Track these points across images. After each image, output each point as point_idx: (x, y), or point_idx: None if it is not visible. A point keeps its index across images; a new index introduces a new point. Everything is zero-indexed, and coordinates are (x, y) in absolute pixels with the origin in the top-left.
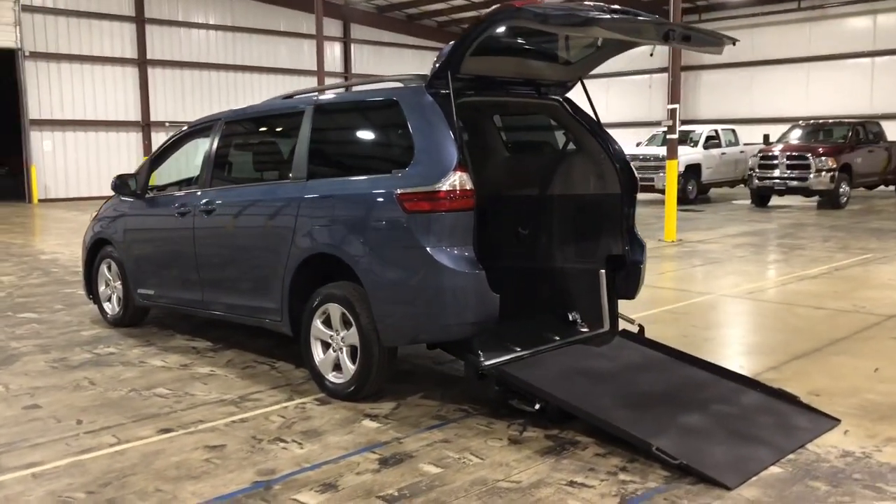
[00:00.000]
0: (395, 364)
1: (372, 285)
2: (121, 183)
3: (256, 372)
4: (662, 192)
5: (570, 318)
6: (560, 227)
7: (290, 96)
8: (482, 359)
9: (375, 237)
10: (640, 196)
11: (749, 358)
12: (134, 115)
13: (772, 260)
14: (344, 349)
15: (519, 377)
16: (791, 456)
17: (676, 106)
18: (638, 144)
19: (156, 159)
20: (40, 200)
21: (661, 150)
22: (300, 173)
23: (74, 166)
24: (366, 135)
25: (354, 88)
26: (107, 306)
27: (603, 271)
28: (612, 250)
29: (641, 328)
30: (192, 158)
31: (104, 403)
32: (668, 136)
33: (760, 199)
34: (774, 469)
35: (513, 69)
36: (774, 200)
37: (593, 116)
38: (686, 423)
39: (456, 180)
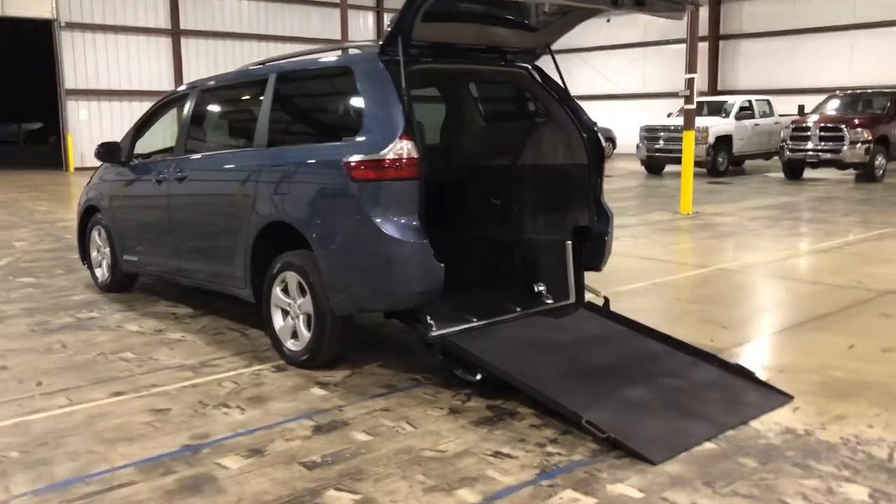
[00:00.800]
0: (350, 333)
1: (322, 254)
2: (104, 151)
3: (226, 338)
4: None
5: (536, 289)
6: (531, 198)
7: (262, 63)
8: (431, 328)
9: (325, 206)
10: (670, 168)
11: (724, 332)
12: (167, 84)
13: (784, 234)
14: (301, 317)
15: (462, 347)
16: (730, 432)
17: (694, 75)
18: (669, 115)
19: (140, 127)
20: (76, 168)
21: None
22: (261, 141)
23: (109, 135)
24: (321, 102)
25: (317, 56)
26: (97, 272)
27: (569, 242)
28: (578, 221)
29: (606, 300)
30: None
31: (69, 366)
32: (685, 107)
33: (792, 171)
34: (708, 445)
35: (473, 36)
36: (809, 174)
37: (562, 85)
38: (628, 397)
39: (401, 148)
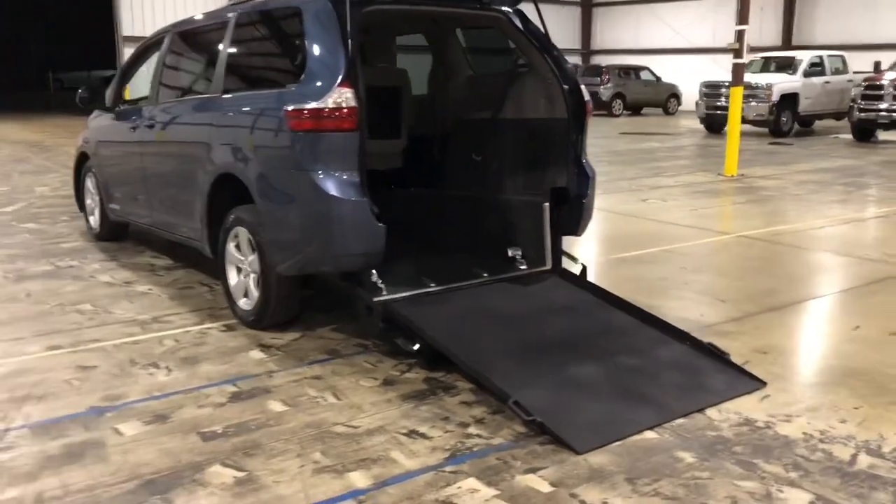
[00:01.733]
0: (298, 294)
1: (264, 209)
2: (86, 96)
3: (192, 293)
4: (753, 122)
5: (510, 254)
6: (511, 155)
7: (237, 3)
8: (381, 292)
9: (266, 158)
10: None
11: (718, 306)
12: None
13: (830, 200)
14: (252, 275)
15: (402, 314)
16: (680, 420)
17: (745, 27)
18: None
19: (125, 72)
20: None
21: (755, 78)
22: (217, 87)
23: None
24: (272, 47)
25: None
26: (91, 220)
27: (546, 205)
28: (556, 182)
29: (584, 269)
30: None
31: (23, 317)
32: (734, 61)
33: (862, 133)
34: (648, 434)
35: None
36: (883, 136)
37: (543, 31)
38: (575, 375)
39: (340, 97)
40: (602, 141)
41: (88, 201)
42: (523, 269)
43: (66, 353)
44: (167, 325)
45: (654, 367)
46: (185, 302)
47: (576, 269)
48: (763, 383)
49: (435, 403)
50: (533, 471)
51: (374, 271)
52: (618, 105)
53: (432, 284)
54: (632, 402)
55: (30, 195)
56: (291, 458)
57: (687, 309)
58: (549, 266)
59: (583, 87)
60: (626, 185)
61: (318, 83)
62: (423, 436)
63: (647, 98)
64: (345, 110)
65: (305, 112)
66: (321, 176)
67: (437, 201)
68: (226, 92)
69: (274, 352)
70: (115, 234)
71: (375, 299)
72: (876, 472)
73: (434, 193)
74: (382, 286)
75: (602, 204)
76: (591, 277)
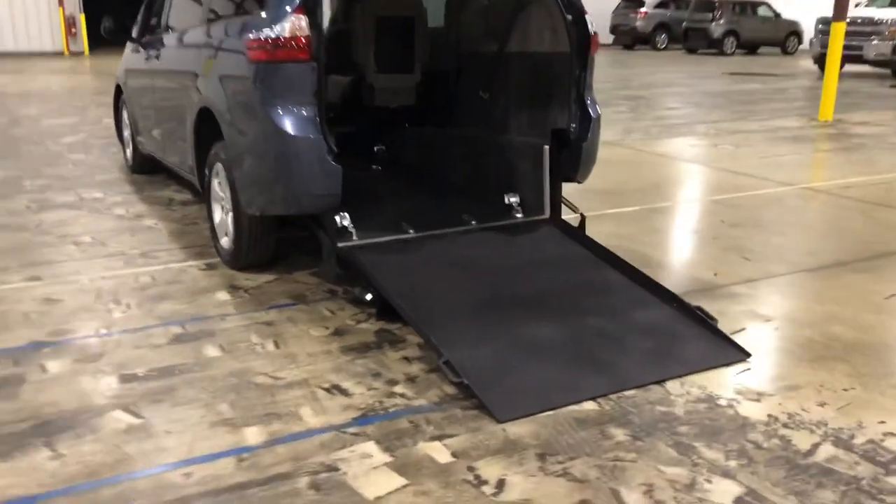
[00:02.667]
0: (272, 236)
1: (230, 145)
2: (108, 26)
3: (193, 230)
4: (874, 63)
5: (507, 200)
6: (516, 93)
7: None
8: (350, 237)
9: (232, 90)
10: (849, 68)
11: (739, 266)
12: None
13: None
14: (231, 213)
15: (361, 260)
16: (633, 392)
17: None
18: (857, 5)
19: (151, 1)
20: None
21: (880, 13)
22: (205, 16)
23: None
24: None
25: None
26: (127, 152)
27: (546, 148)
28: (557, 123)
29: (582, 220)
30: None
31: (21, 247)
32: None
33: None
34: (589, 405)
35: None
36: None
37: None
38: (532, 336)
39: (292, 25)
40: (700, 81)
41: (126, 133)
42: (518, 218)
43: (42, 285)
44: (152, 260)
45: (626, 330)
46: (182, 238)
47: (577, 220)
48: (747, 355)
49: (374, 357)
50: (441, 438)
51: (346, 214)
52: (730, 43)
53: (411, 231)
54: (585, 367)
55: (95, 126)
56: (197, 407)
57: (702, 266)
58: (546, 215)
59: (588, 17)
60: (703, 128)
61: (276, 10)
62: (344, 392)
63: (763, 36)
64: (300, 39)
65: (261, 41)
66: (275, 110)
67: (444, 141)
68: (210, 21)
69: (241, 294)
70: (146, 168)
71: (340, 244)
72: (832, 467)
73: (442, 133)
74: (353, 230)
75: (663, 149)
76: (616, 227)
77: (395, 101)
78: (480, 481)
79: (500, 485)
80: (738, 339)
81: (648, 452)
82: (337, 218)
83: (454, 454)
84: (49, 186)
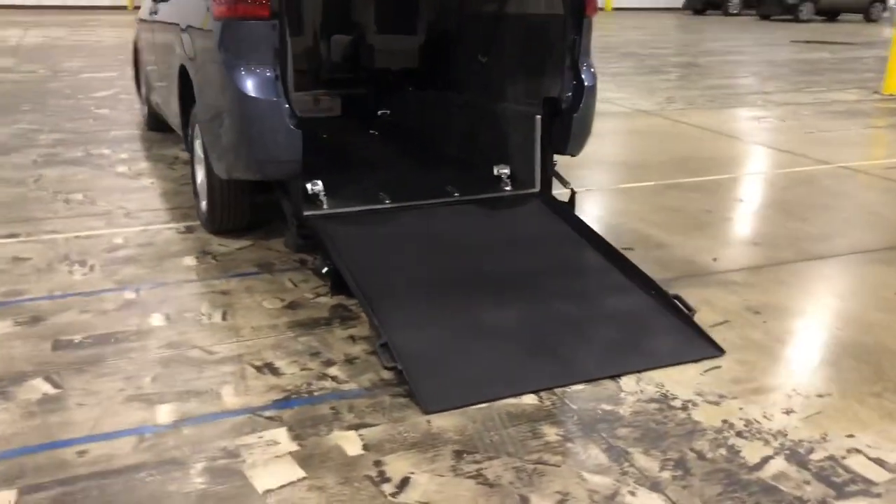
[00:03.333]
0: (245, 201)
1: (199, 105)
2: None
3: (187, 190)
4: None
5: (496, 172)
6: (511, 57)
7: None
8: (321, 206)
9: (200, 47)
10: None
11: (744, 250)
12: None
13: None
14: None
15: (325, 230)
16: (581, 386)
17: None
18: None
19: None
20: None
21: None
22: None
23: None
24: None
25: None
26: (144, 109)
27: (538, 117)
28: (550, 91)
29: (572, 195)
30: None
31: (12, 202)
32: None
33: None
34: (529, 399)
35: None
36: None
37: None
38: (487, 320)
39: None
40: (765, 49)
41: (143, 89)
42: (507, 191)
43: (16, 243)
44: (134, 221)
45: (591, 317)
46: (172, 199)
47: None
48: (720, 352)
49: (319, 335)
50: (358, 427)
51: (318, 182)
52: (806, 9)
53: (387, 201)
54: (537, 357)
55: (130, 82)
56: (118, 380)
57: (703, 250)
58: (536, 189)
59: None
60: (753, 99)
61: None
62: (275, 371)
63: (845, 1)
64: None
65: None
66: (236, 70)
67: (443, 107)
68: None
69: (208, 260)
70: (161, 125)
71: (307, 213)
72: (777, 485)
73: (442, 98)
74: (324, 199)
75: (703, 121)
76: (626, 202)
77: (396, 63)
78: (383, 479)
79: (403, 484)
80: (718, 332)
81: (576, 456)
82: (308, 185)
83: (366, 446)
84: (62, 141)
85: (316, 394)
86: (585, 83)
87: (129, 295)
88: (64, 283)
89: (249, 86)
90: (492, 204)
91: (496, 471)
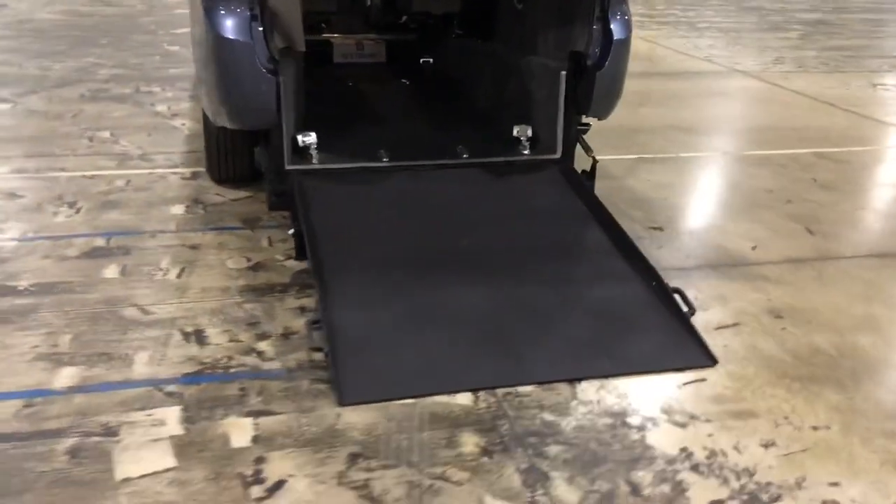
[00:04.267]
0: (243, 150)
1: (192, 46)
2: None
3: None
4: None
5: (515, 132)
6: (546, 4)
7: None
8: (310, 160)
9: None
10: None
11: (795, 239)
12: None
13: None
14: None
15: (302, 187)
16: (530, 388)
17: None
18: None
19: None
20: None
21: None
22: None
23: None
24: None
25: None
26: None
27: (563, 73)
28: (576, 44)
29: (593, 164)
30: None
31: (40, 136)
32: None
33: None
34: (463, 399)
35: None
36: None
37: None
38: (448, 302)
39: None
40: None
41: None
42: (524, 155)
43: (19, 179)
44: (144, 163)
45: (570, 308)
46: (195, 142)
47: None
48: (712, 362)
49: (269, 303)
50: (259, 415)
51: (311, 134)
52: None
53: (385, 159)
54: (489, 350)
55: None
56: (39, 335)
57: (744, 235)
58: (557, 154)
59: None
60: (878, 64)
61: None
62: (202, 340)
63: None
64: None
65: None
66: (211, 7)
67: (476, 57)
68: None
69: (196, 210)
70: None
71: (291, 167)
72: None
73: (478, 48)
74: (314, 152)
75: (805, 85)
76: (672, 174)
77: (436, 6)
78: (257, 479)
79: (276, 488)
80: (720, 337)
81: (487, 475)
82: (300, 136)
83: (256, 438)
84: (118, 77)
85: (232, 370)
86: (615, 36)
87: (99, 242)
88: (41, 225)
89: (222, 25)
90: (501, 169)
91: (386, 483)
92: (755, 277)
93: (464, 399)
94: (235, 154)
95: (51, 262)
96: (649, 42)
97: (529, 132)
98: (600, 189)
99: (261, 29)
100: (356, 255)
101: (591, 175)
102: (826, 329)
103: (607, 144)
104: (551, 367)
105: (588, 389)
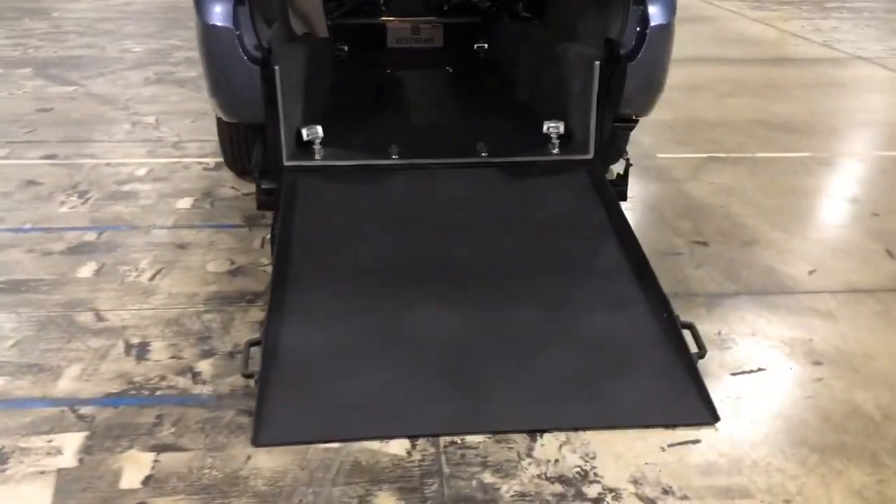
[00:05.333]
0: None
1: None
2: None
3: None
4: None
5: (545, 128)
6: None
7: None
8: (312, 155)
9: None
10: None
11: (869, 264)
12: None
13: None
14: None
15: (286, 184)
16: (482, 439)
17: None
18: None
19: None
20: None
21: None
22: None
23: None
24: None
25: None
26: None
27: (597, 63)
28: (609, 30)
29: (626, 168)
30: None
31: (86, 120)
32: None
33: None
34: (397, 446)
35: None
36: None
37: None
38: (416, 327)
39: None
40: None
41: None
42: (553, 154)
43: (45, 165)
44: (175, 151)
45: (555, 340)
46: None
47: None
48: (713, 419)
49: (230, 314)
50: (163, 450)
51: (317, 127)
52: None
53: (395, 156)
54: (445, 389)
55: None
56: None
57: (805, 256)
58: (590, 154)
59: None
60: None
61: None
62: (143, 355)
63: None
64: None
65: None
66: None
67: (520, 44)
68: None
69: (204, 205)
70: None
71: (290, 163)
72: None
73: (523, 33)
74: (318, 147)
75: None
76: (743, 177)
77: None
78: None
79: None
80: (736, 386)
81: None
82: (304, 130)
83: (148, 479)
84: (191, 60)
85: (158, 393)
86: (652, 21)
87: (90, 237)
88: (42, 216)
89: (207, 11)
90: (522, 170)
91: None
92: (802, 310)
93: (398, 447)
94: (249, 146)
95: (32, 257)
96: (762, 24)
97: (561, 129)
98: (651, 193)
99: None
100: (330, 264)
101: (623, 179)
102: (875, 384)
103: (675, 140)
104: (512, 414)
105: (550, 444)
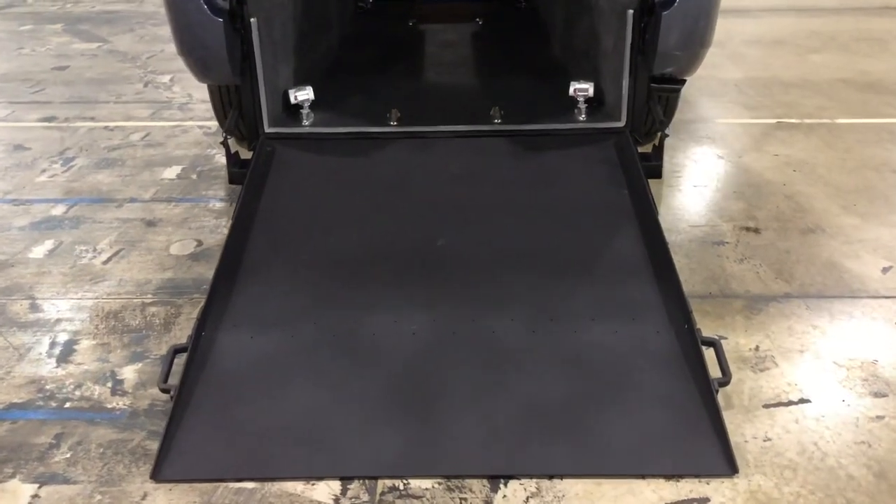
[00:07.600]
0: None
1: None
2: None
3: None
4: None
5: (571, 91)
6: None
7: None
8: (299, 121)
9: None
10: None
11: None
12: None
13: None
14: None
15: (259, 155)
16: (427, 486)
17: None
18: None
19: None
20: None
21: None
22: None
23: None
24: None
25: None
26: None
27: (630, 13)
28: None
29: (661, 140)
30: None
31: (99, 81)
32: None
33: None
34: (325, 490)
35: None
36: None
37: None
38: (375, 335)
39: None
40: None
41: None
42: (578, 122)
43: (41, 128)
44: (180, 113)
45: (543, 356)
46: None
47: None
48: (730, 471)
49: (177, 308)
50: (49, 481)
51: (308, 89)
52: None
53: (393, 123)
54: (393, 420)
55: None
56: None
57: (880, 247)
58: (622, 122)
59: None
60: None
61: None
62: (66, 356)
63: None
64: None
65: None
66: None
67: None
68: None
69: (189, 176)
70: None
71: (271, 129)
72: None
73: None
74: (307, 112)
75: None
76: (812, 149)
77: None
78: None
79: None
80: (768, 422)
81: None
82: (291, 92)
83: None
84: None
85: (67, 406)
86: None
87: (57, 210)
88: (17, 185)
89: None
90: (539, 141)
91: None
92: (869, 321)
93: (324, 492)
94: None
95: (14, 207)
96: None
97: (590, 91)
98: (701, 167)
99: None
100: (289, 253)
101: (658, 153)
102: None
103: (741, 103)
104: (473, 454)
105: (514, 496)
